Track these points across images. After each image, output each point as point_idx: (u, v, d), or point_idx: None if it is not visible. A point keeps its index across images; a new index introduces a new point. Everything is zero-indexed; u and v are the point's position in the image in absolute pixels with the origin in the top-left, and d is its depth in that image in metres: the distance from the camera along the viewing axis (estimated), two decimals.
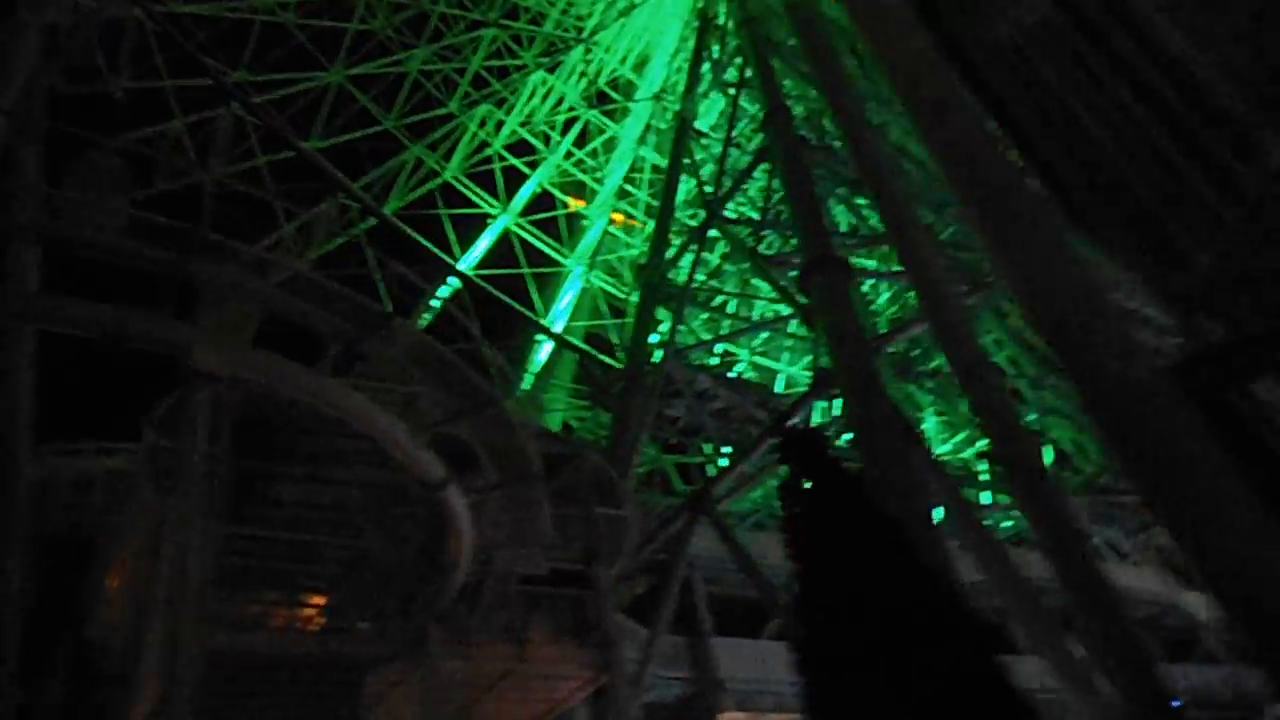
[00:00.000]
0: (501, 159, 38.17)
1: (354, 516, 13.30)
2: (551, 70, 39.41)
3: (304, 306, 11.56)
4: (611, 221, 41.96)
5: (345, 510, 13.31)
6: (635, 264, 34.98)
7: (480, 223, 35.74)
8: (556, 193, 39.62)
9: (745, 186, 31.53)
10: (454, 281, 31.85)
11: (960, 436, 39.21)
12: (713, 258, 34.50)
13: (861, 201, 32.59)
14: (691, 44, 40.67)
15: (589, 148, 41.21)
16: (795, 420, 20.25)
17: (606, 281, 37.01)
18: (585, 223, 40.18)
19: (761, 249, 28.06)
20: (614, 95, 43.86)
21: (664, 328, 29.64)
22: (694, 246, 29.96)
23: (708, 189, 30.79)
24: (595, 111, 40.33)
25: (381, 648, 14.12)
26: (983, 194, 4.34)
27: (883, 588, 4.88)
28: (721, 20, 37.45)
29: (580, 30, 43.11)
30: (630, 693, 16.88)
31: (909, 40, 13.47)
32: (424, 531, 13.31)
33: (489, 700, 15.47)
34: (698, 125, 37.25)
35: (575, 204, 41.52)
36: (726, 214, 30.41)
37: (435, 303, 32.41)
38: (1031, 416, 40.68)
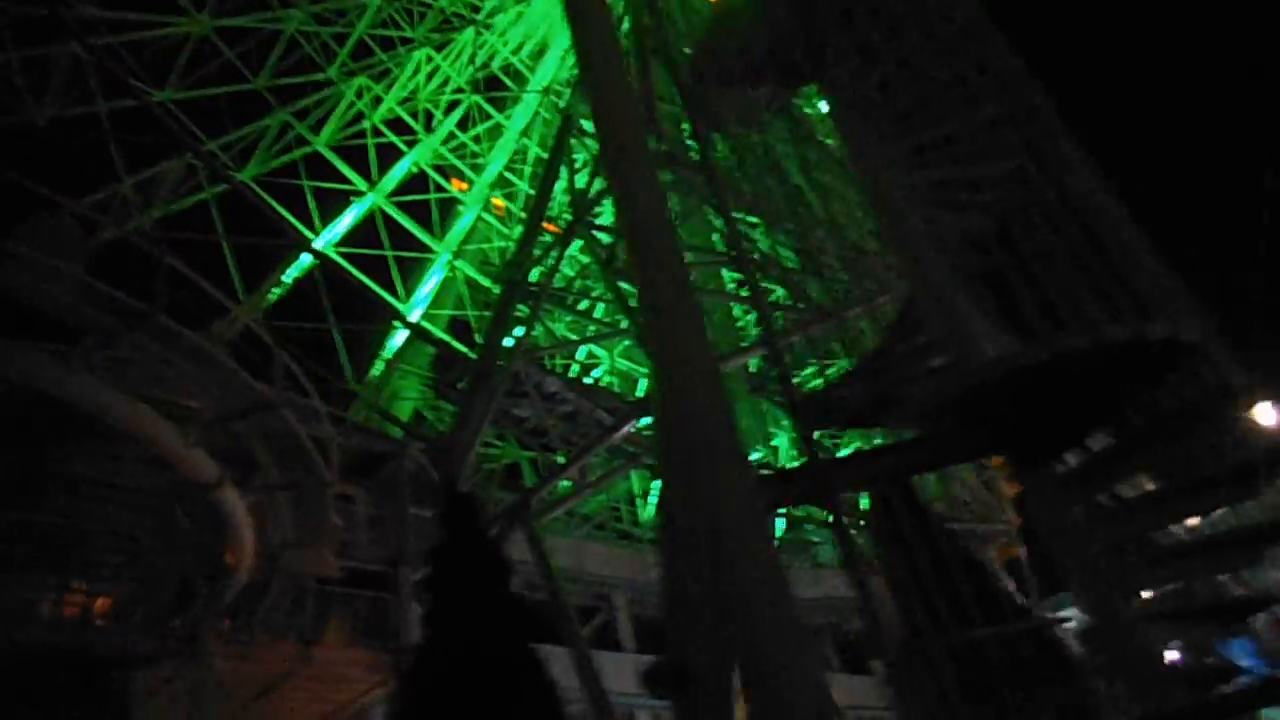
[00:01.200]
0: (378, 134, 37.03)
1: (128, 511, 12.70)
2: (440, 49, 38.49)
3: (57, 295, 10.63)
4: (493, 209, 41.44)
5: (120, 504, 12.69)
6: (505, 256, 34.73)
7: (346, 199, 34.55)
8: (434, 174, 38.77)
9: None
10: (310, 258, 30.72)
11: None
12: (586, 258, 34.61)
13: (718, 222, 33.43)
14: None
15: (471, 133, 40.54)
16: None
17: (473, 271, 36.54)
18: (460, 209, 39.51)
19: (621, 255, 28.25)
20: (506, 81, 43.26)
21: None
22: (559, 246, 29.90)
23: (580, 187, 30.80)
24: (480, 97, 39.70)
25: (152, 644, 13.55)
26: (649, 276, 4.52)
27: (478, 665, 5.10)
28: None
29: (476, 10, 42.30)
30: None
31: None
32: (201, 529, 12.85)
33: (270, 700, 15.08)
34: (584, 124, 37.25)
35: (457, 187, 40.75)
36: (596, 218, 30.52)
37: (288, 278, 31.22)
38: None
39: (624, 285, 29.62)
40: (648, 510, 37.18)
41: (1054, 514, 4.04)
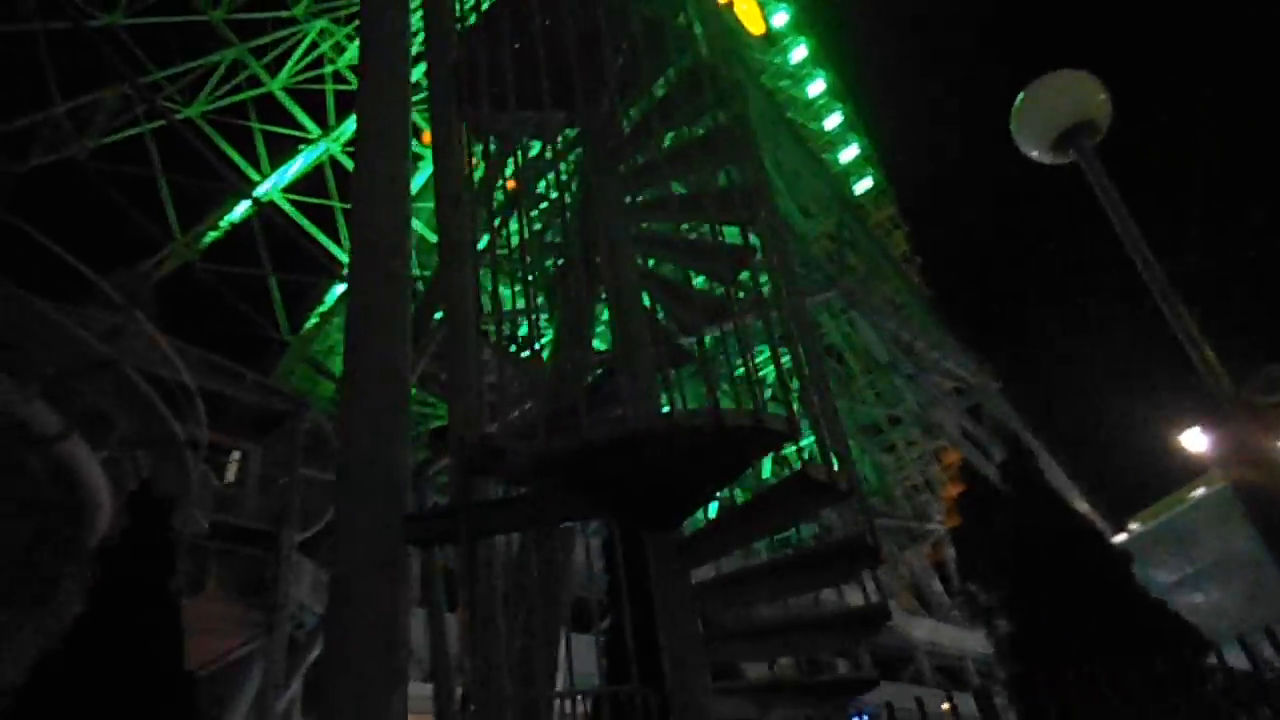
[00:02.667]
0: (339, 80, 36.10)
1: None
2: None
3: None
4: None
5: None
6: None
7: (296, 145, 33.68)
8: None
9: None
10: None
11: None
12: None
13: None
14: None
15: None
16: None
17: (424, 229, 35.89)
18: (420, 163, 38.78)
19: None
20: None
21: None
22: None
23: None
24: None
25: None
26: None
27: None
28: None
29: None
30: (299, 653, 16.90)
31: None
32: (52, 480, 12.60)
33: None
34: None
35: (426, 141, 39.94)
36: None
37: (226, 223, 30.54)
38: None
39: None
40: None
41: (668, 581, 3.88)
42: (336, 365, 31.27)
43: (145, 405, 11.81)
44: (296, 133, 33.31)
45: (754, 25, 49.87)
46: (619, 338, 4.66)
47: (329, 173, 33.55)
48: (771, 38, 58.17)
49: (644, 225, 5.47)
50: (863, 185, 70.17)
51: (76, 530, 13.43)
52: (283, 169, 32.49)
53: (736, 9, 48.14)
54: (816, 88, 70.95)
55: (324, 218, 33.49)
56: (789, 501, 3.97)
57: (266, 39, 33.04)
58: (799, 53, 69.51)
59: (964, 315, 56.10)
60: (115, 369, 11.07)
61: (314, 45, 35.26)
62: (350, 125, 36.04)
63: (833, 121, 70.78)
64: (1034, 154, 5.94)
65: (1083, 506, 37.43)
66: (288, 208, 32.18)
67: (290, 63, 33.95)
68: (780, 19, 69.30)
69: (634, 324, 4.70)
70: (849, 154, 71.44)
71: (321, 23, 34.71)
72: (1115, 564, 8.04)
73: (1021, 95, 6.05)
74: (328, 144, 34.12)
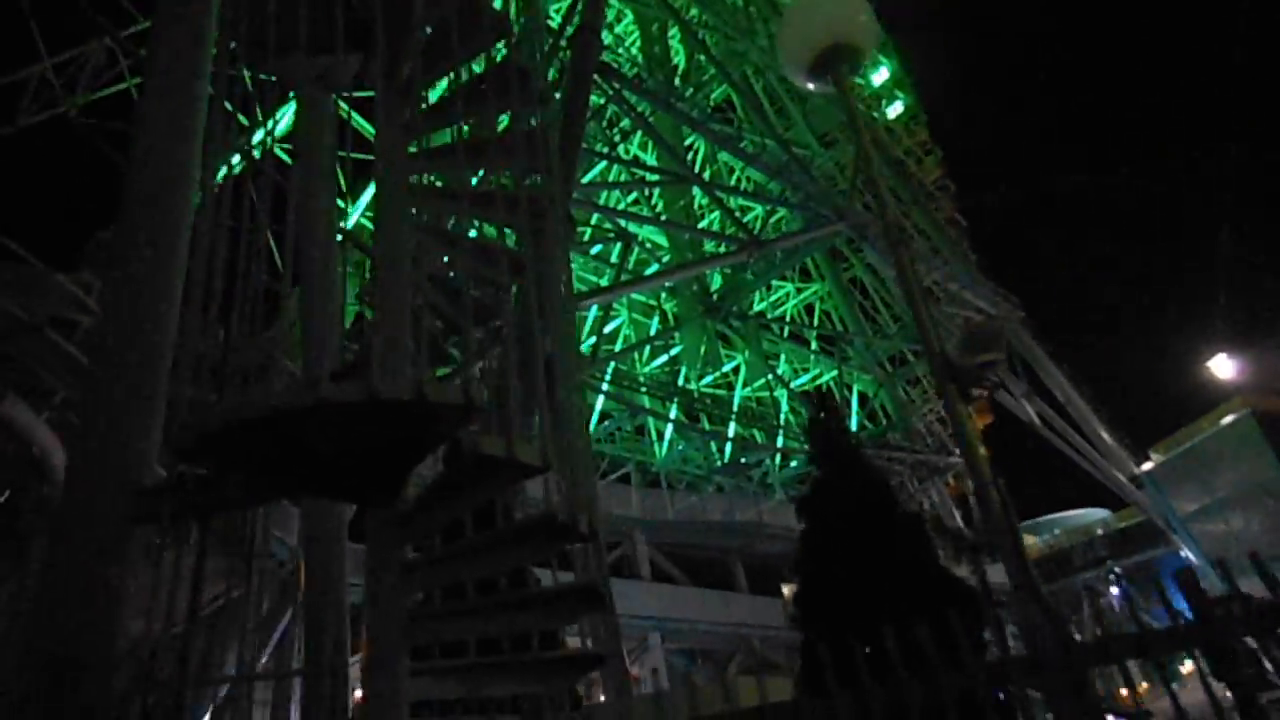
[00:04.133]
0: None
1: None
2: None
3: None
4: None
5: None
6: None
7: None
8: None
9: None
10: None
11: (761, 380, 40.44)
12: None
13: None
14: None
15: None
16: None
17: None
18: None
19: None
20: None
21: None
22: None
23: None
24: None
25: None
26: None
27: None
28: None
29: None
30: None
31: None
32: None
33: None
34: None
35: None
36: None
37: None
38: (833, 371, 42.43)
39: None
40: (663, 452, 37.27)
41: (383, 555, 3.67)
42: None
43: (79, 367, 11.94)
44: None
45: None
46: (378, 305, 4.38)
47: None
48: None
49: (424, 217, 5.13)
50: (894, 110, 67.66)
51: (51, 489, 13.85)
52: (278, 115, 32.21)
53: None
54: None
55: None
56: (530, 541, 3.74)
57: None
58: None
59: (990, 244, 54.17)
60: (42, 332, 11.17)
61: None
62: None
63: None
64: (797, 79, 5.42)
65: (1105, 436, 36.43)
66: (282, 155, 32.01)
67: None
68: None
69: (395, 291, 4.41)
70: (880, 77, 68.73)
71: None
72: (909, 529, 7.64)
73: (784, 15, 5.50)
74: None
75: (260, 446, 3.51)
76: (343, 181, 6.52)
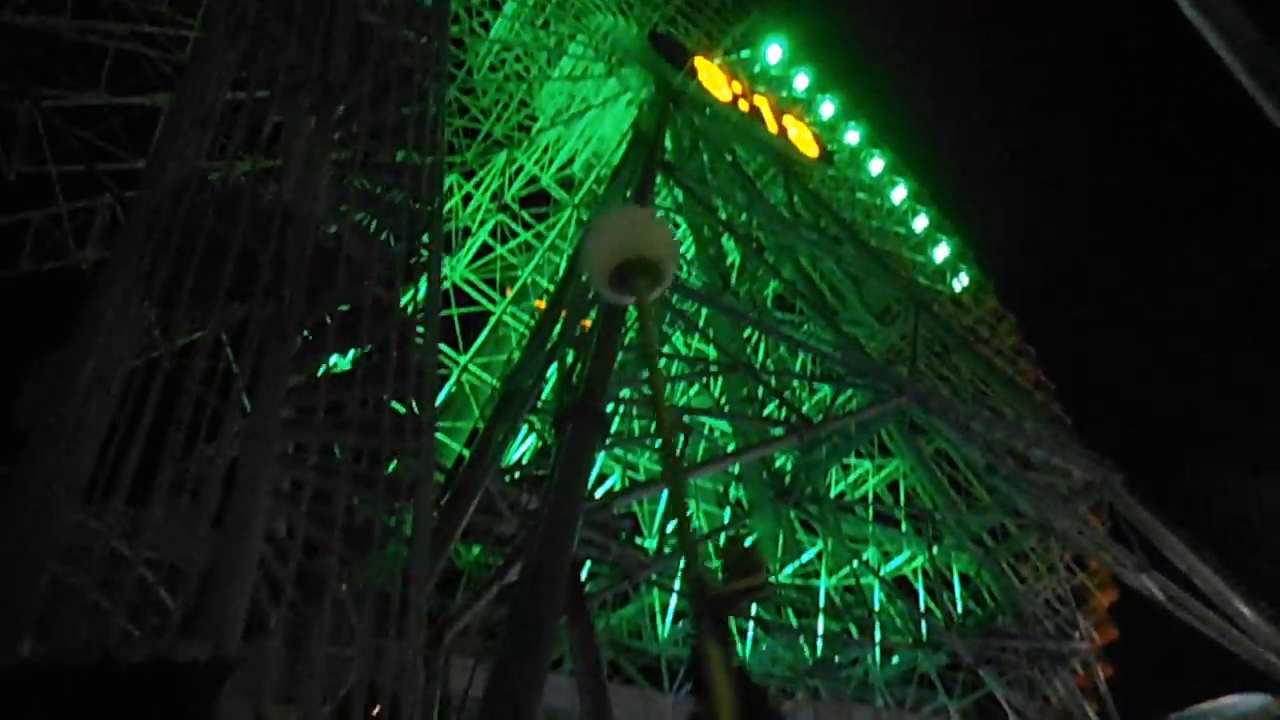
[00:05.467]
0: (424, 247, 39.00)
1: None
2: (469, 176, 40.75)
3: None
4: (536, 311, 42.46)
5: None
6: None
7: None
8: (466, 288, 40.33)
9: None
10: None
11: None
12: None
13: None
14: (618, 156, 41.87)
15: (505, 247, 42.22)
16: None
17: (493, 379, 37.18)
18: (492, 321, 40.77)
19: None
20: (555, 190, 45.11)
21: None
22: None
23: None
24: (506, 215, 41.53)
25: None
26: None
27: None
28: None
29: (525, 129, 44.73)
30: None
31: None
32: None
33: None
34: None
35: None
36: None
37: None
38: (934, 551, 39.85)
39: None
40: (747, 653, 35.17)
41: None
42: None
43: None
44: None
45: (807, 148, 50.74)
46: None
47: None
48: (832, 154, 58.84)
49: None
50: (960, 282, 68.09)
51: None
52: None
53: (791, 137, 49.34)
54: (899, 194, 70.75)
55: None
56: None
57: None
58: (876, 165, 70.07)
59: (1083, 406, 51.66)
60: None
61: None
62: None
63: (921, 223, 69.97)
64: (601, 292, 5.61)
65: (1244, 609, 32.41)
66: None
67: None
68: (853, 137, 70.58)
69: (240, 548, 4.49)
70: (941, 252, 69.92)
71: None
72: None
73: (587, 229, 5.76)
74: None
75: None
76: None
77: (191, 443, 6.32)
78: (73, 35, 29.20)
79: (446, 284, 39.21)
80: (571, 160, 46.81)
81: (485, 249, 41.44)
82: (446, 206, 41.02)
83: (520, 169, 43.72)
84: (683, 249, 45.54)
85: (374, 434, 4.67)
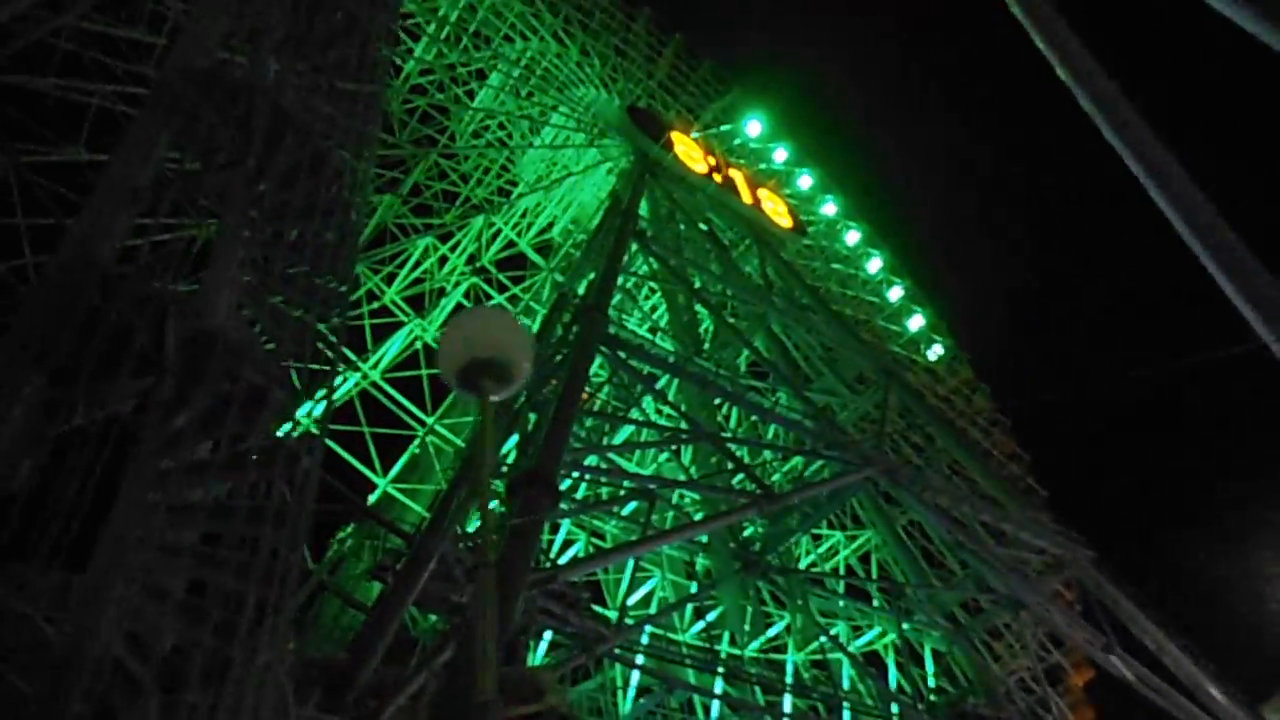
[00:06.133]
0: (398, 307, 39.06)
1: None
2: (444, 239, 41.07)
3: None
4: None
5: None
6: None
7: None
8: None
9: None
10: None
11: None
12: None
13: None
14: (594, 223, 42.41)
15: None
16: None
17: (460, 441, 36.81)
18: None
19: None
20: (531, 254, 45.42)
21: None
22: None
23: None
24: (480, 279, 41.76)
25: None
26: None
27: None
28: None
29: (505, 194, 45.35)
30: None
31: None
32: None
33: None
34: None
35: None
36: None
37: None
38: (905, 626, 39.20)
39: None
40: None
41: None
42: (368, 593, 31.17)
43: None
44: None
45: (781, 220, 51.64)
46: None
47: (357, 403, 35.41)
48: (807, 226, 59.93)
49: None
50: (934, 352, 68.72)
51: None
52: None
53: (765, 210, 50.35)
54: (874, 265, 71.87)
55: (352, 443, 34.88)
56: None
57: None
58: (852, 236, 71.30)
59: (1056, 480, 51.63)
60: None
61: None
62: (389, 354, 38.40)
63: (896, 294, 70.91)
64: (450, 386, 5.65)
65: (1214, 693, 31.90)
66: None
67: None
68: (830, 209, 71.99)
69: None
70: (916, 323, 70.76)
71: (360, 267, 38.10)
72: None
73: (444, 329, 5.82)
74: (372, 372, 36.37)
75: None
76: None
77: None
78: (55, 94, 29.72)
79: (418, 345, 39.18)
80: (550, 225, 47.42)
81: (458, 311, 41.51)
82: (422, 267, 41.30)
83: (498, 233, 44.15)
84: (655, 316, 45.97)
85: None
